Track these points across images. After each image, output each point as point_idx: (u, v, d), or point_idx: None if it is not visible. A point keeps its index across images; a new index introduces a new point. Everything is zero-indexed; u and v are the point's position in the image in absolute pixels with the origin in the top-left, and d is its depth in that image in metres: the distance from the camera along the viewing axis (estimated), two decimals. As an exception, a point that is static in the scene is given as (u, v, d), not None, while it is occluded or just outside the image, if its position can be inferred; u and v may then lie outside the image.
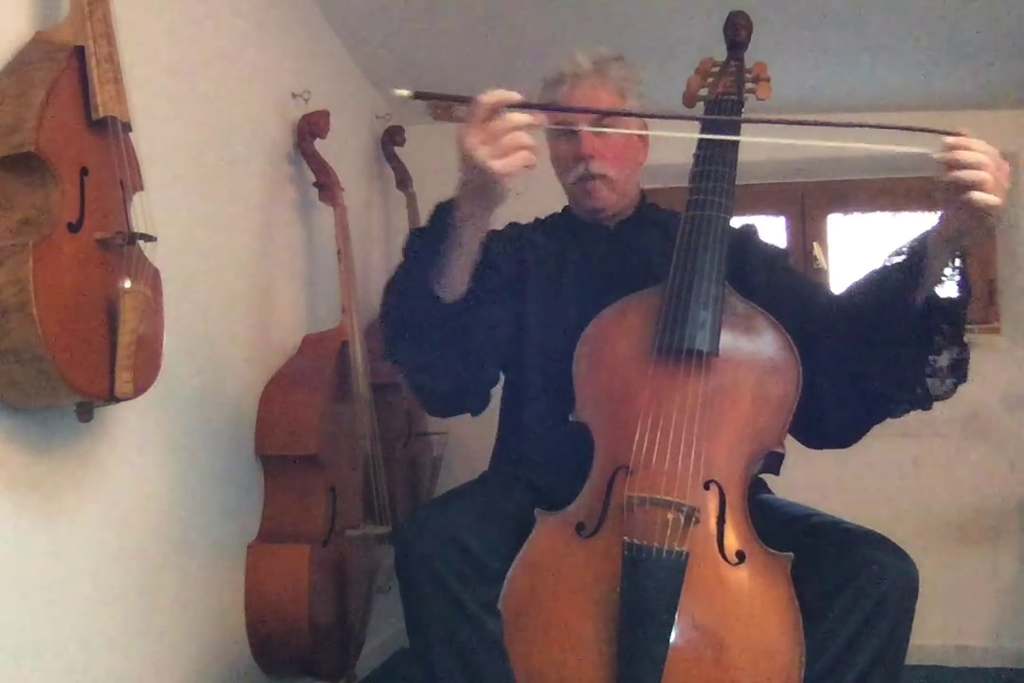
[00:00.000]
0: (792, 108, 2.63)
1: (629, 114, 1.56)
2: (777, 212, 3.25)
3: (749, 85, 1.54)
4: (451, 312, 1.34)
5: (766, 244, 1.61)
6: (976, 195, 1.16)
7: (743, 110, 1.52)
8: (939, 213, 1.26)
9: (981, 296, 3.10)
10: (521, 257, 1.60)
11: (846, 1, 2.31)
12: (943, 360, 1.32)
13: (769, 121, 1.23)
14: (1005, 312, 3.05)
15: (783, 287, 1.51)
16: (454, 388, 1.44)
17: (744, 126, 1.49)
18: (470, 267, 1.34)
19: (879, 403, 1.37)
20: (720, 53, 1.60)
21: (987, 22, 2.39)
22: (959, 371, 1.33)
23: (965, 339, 1.32)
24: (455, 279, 1.33)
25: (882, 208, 3.22)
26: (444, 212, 1.30)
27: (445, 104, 1.44)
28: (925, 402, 1.35)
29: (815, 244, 3.24)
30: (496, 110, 1.17)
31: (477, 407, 1.54)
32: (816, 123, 1.21)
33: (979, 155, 1.17)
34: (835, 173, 3.19)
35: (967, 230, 1.23)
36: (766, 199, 3.19)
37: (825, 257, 3.24)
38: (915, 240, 1.32)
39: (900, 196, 3.19)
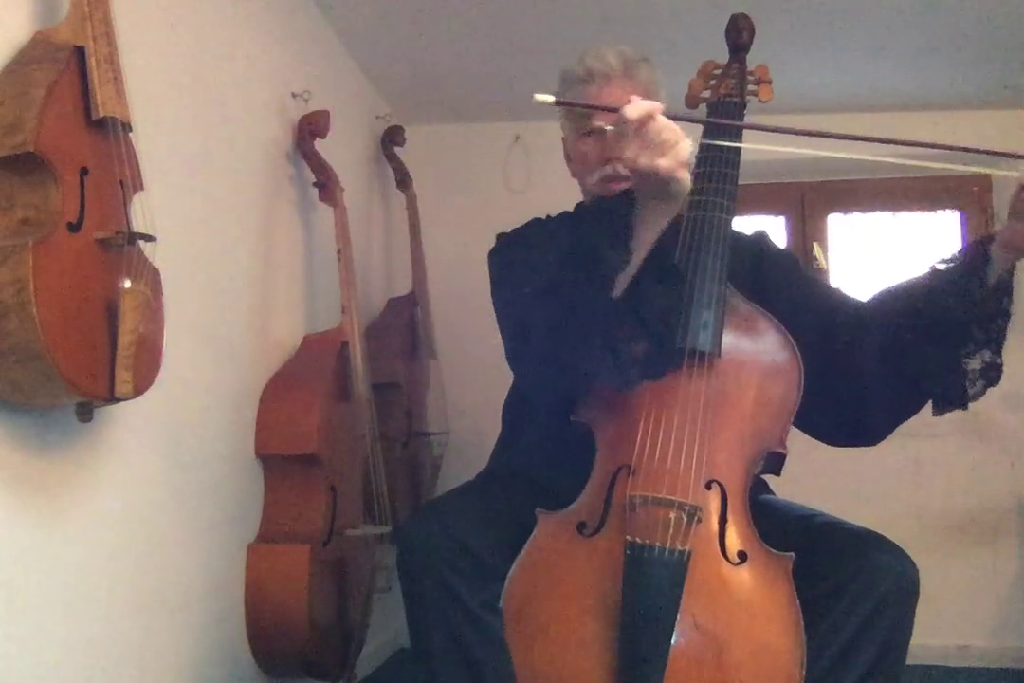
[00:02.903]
0: (792, 109, 2.64)
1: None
2: (777, 212, 3.25)
3: (751, 87, 1.54)
4: (617, 309, 1.27)
5: (780, 249, 1.63)
6: None
7: (745, 112, 1.52)
8: (1005, 224, 1.26)
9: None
10: None
11: (847, 3, 2.32)
12: (975, 363, 1.33)
13: (808, 133, 1.18)
14: (1005, 312, 3.05)
15: (805, 292, 1.52)
16: (585, 380, 1.35)
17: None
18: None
19: (918, 401, 1.38)
20: (722, 55, 1.60)
21: (986, 22, 2.40)
22: (991, 374, 1.35)
23: (1002, 345, 1.34)
24: (623, 278, 1.26)
25: (882, 208, 3.23)
26: (617, 217, 1.25)
27: (583, 112, 1.43)
28: (963, 401, 1.37)
29: (815, 244, 3.24)
30: (644, 121, 1.15)
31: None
32: (858, 138, 1.16)
33: None
34: (835, 173, 3.19)
35: None
36: (766, 199, 3.19)
37: (825, 257, 3.24)
38: (969, 249, 1.32)
39: (900, 196, 3.19)
